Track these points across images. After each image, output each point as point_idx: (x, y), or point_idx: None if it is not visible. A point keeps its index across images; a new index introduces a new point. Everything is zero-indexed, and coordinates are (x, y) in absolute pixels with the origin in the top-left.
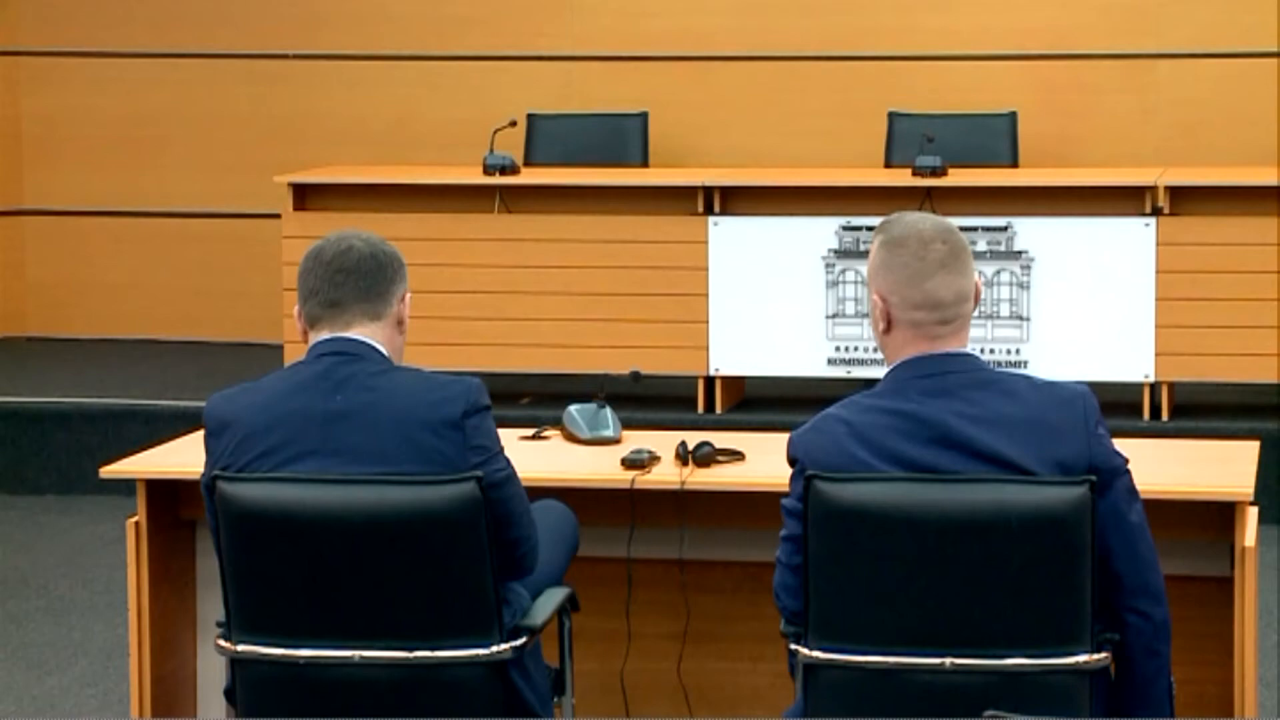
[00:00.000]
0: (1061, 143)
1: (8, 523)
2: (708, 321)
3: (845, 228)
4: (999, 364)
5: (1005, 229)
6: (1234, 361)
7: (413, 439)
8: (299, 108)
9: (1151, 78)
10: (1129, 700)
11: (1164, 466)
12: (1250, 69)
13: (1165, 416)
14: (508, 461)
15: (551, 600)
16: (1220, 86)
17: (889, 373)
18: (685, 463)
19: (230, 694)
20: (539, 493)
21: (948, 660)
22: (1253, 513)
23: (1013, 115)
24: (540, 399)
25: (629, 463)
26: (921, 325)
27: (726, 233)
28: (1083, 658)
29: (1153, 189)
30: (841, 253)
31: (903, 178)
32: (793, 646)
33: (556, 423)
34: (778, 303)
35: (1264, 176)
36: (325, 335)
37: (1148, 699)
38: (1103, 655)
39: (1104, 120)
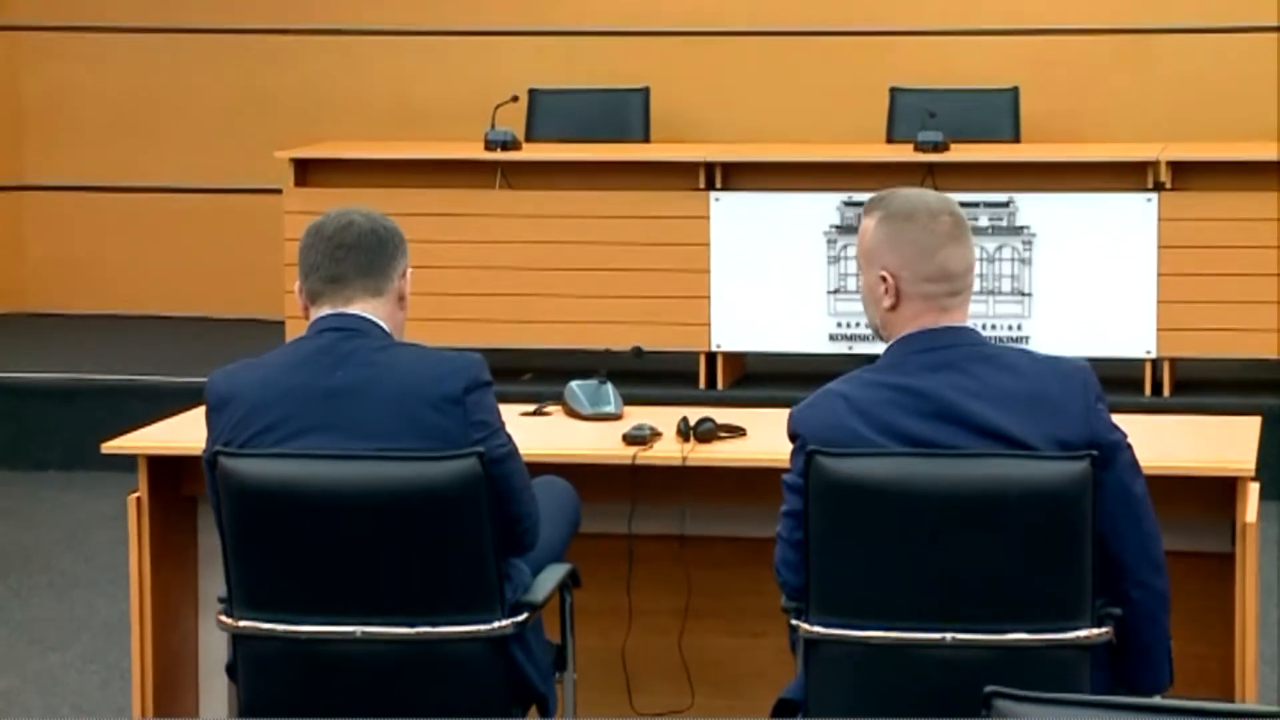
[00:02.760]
0: (1063, 118)
1: (10, 499)
2: (709, 297)
3: (847, 203)
4: (1001, 340)
5: (1007, 204)
6: (1236, 337)
7: (414, 415)
8: (301, 83)
9: (1153, 53)
10: (1130, 665)
11: (1165, 442)
12: (1252, 44)
13: (1167, 392)
14: (509, 437)
15: (553, 576)
16: (1221, 61)
17: (889, 348)
18: (686, 439)
19: (232, 670)
20: (540, 469)
21: (949, 635)
22: (1254, 488)
23: (1015, 91)
24: (542, 375)
25: (630, 439)
26: (933, 297)
27: (728, 208)
28: (1083, 632)
29: (1154, 164)
30: (843, 228)
31: (904, 153)
32: (793, 622)
33: (558, 399)
34: (779, 279)
35: (1266, 151)
36: (326, 311)
37: (1148, 663)
38: (1104, 630)
39: (1106, 95)
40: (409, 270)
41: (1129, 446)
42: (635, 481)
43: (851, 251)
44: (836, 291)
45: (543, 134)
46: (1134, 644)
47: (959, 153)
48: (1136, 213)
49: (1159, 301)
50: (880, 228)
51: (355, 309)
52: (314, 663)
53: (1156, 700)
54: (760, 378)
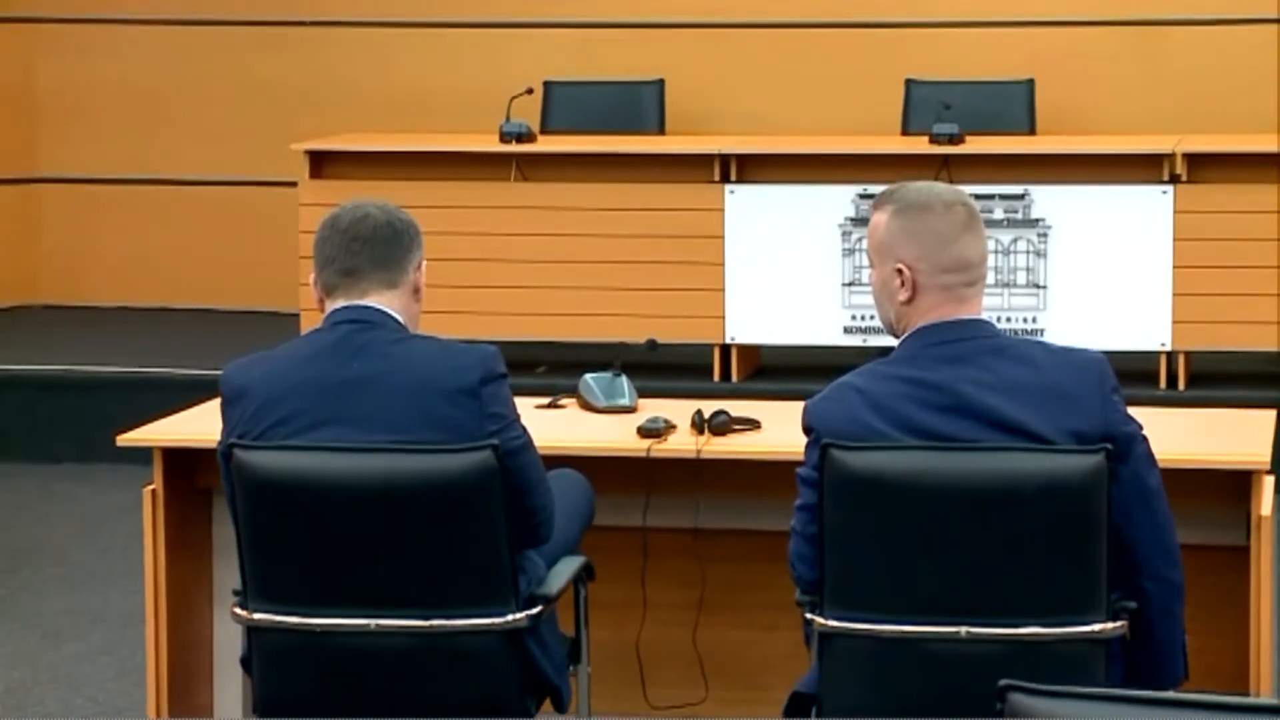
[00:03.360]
0: (1079, 110)
1: (24, 491)
2: (724, 290)
3: (861, 195)
4: (1016, 332)
5: (1022, 197)
6: (1251, 330)
7: (429, 407)
8: (316, 75)
9: (1169, 44)
10: (1145, 659)
11: (1180, 435)
12: (1268, 36)
13: (1182, 385)
14: (524, 429)
15: (567, 569)
16: (1238, 53)
17: (904, 340)
18: (701, 431)
19: (246, 662)
20: (554, 461)
21: (963, 629)
22: (1269, 481)
23: (1030, 82)
24: (556, 368)
25: (645, 431)
26: (951, 288)
27: (743, 201)
28: (1098, 626)
29: (1170, 156)
30: (858, 221)
31: (919, 145)
32: (808, 616)
33: (572, 391)
34: (794, 271)
35: None
36: (341, 303)
37: (1163, 657)
38: (1119, 624)
39: (1122, 88)
40: (424, 263)
41: (1144, 438)
42: (650, 474)
43: (866, 244)
44: (851, 284)
45: (558, 126)
46: (1149, 637)
47: (974, 145)
48: (1152, 205)
49: (1174, 294)
50: (895, 220)
51: (370, 301)
52: (328, 655)
53: (1170, 693)
54: (775, 370)
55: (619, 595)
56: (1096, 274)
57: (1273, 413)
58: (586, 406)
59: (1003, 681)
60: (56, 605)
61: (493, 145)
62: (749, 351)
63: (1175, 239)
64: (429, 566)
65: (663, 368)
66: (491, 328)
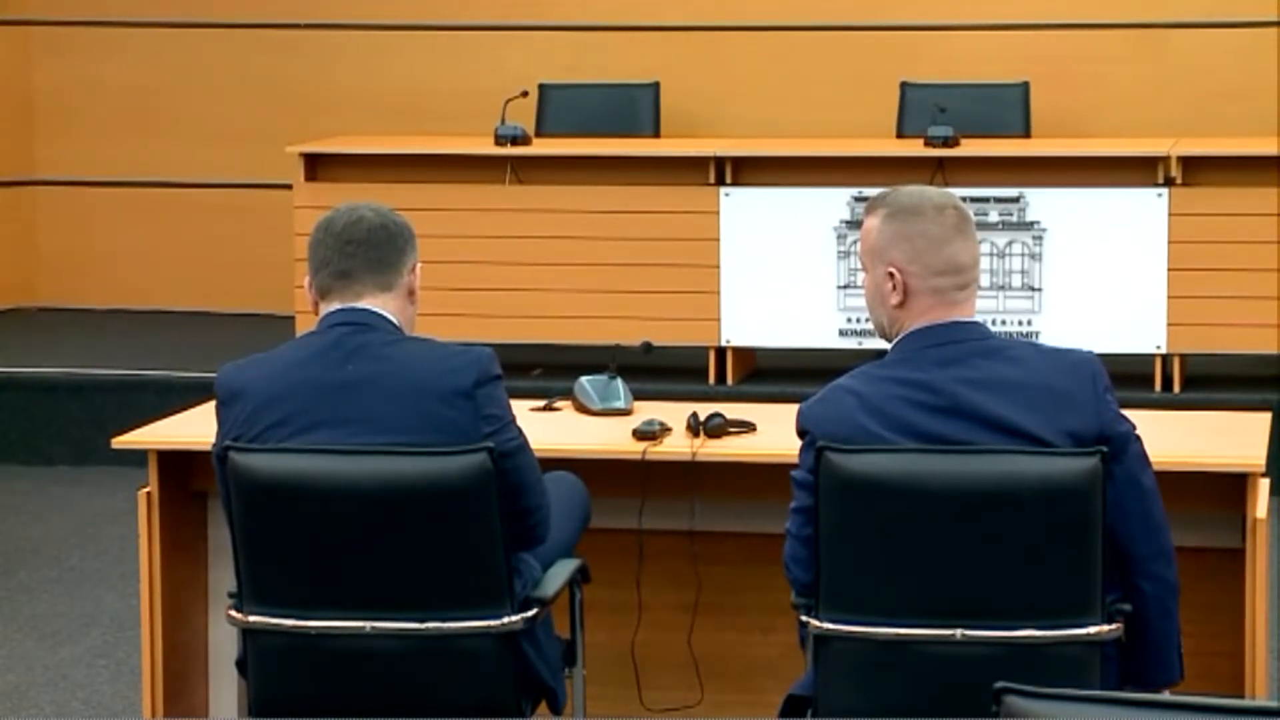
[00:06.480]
0: (1074, 113)
1: (20, 493)
2: (719, 293)
3: (857, 198)
4: (1011, 335)
5: (1017, 200)
6: (1246, 333)
7: (424, 409)
8: (311, 78)
9: (1164, 47)
10: (1140, 660)
11: (1176, 438)
12: (1263, 39)
13: (1177, 388)
14: (519, 431)
15: (563, 571)
16: (1233, 56)
17: (899, 341)
18: (696, 434)
19: (242, 665)
20: (550, 464)
21: (958, 632)
22: (1264, 484)
23: (1025, 85)
24: (551, 370)
25: (640, 434)
26: (943, 291)
27: (738, 203)
28: (1094, 629)
29: (1165, 159)
30: (853, 223)
31: (915, 148)
32: (803, 618)
33: (567, 394)
34: (789, 274)
35: (1277, 146)
36: (336, 306)
37: (1159, 658)
38: (1114, 626)
39: (1116, 91)
40: (419, 265)
41: (1138, 438)
42: (645, 477)
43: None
44: (846, 287)
45: (553, 129)
46: (1144, 638)
47: (969, 147)
48: (1147, 208)
49: (1169, 297)
50: (887, 224)
51: (365, 304)
52: (324, 658)
53: (1166, 696)
54: (770, 373)
55: (614, 598)
56: (1092, 277)
57: (1268, 415)
58: (582, 409)
59: (998, 684)
60: (52, 608)
61: (488, 148)
62: (744, 354)
63: (1170, 242)
64: (425, 568)
65: (658, 370)
66: (486, 330)
